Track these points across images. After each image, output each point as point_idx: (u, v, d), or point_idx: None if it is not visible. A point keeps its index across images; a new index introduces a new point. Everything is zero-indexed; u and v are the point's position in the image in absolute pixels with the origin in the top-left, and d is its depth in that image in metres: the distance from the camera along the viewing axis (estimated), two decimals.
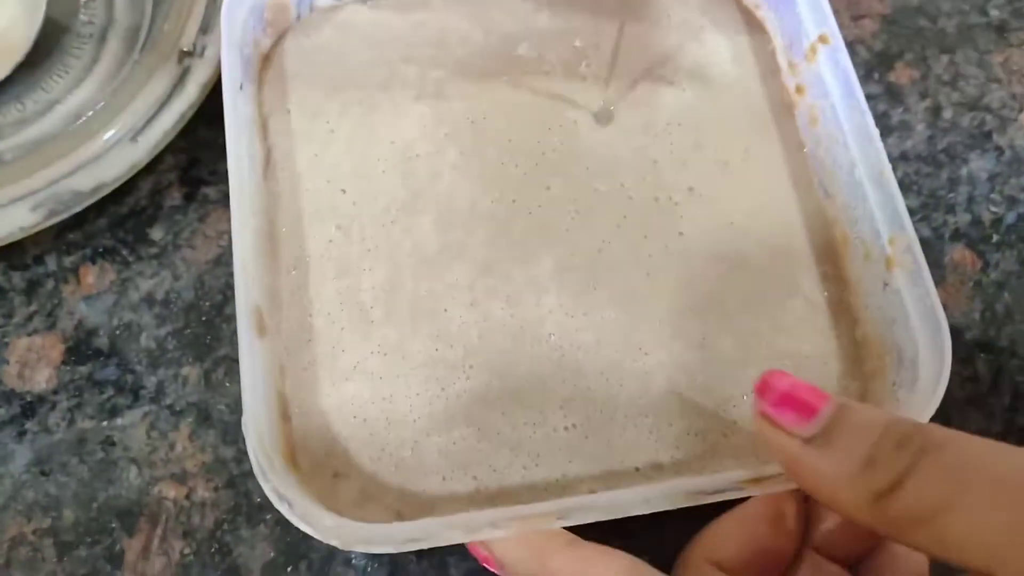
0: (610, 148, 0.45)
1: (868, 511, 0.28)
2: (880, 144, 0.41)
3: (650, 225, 0.43)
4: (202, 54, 0.45)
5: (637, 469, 0.38)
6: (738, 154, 0.45)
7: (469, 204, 0.43)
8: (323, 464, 0.38)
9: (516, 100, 0.46)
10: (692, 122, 0.46)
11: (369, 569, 0.40)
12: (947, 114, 0.50)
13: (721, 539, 0.35)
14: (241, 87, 0.42)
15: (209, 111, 0.45)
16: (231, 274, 0.43)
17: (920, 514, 0.27)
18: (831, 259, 0.43)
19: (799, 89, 0.46)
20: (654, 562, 0.32)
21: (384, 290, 0.41)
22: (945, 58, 0.52)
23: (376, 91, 0.45)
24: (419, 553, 0.39)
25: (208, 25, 0.45)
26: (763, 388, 0.32)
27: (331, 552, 0.39)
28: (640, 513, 0.34)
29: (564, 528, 0.34)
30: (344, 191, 0.43)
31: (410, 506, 0.37)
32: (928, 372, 0.37)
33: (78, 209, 0.42)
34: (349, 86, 0.46)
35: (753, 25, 0.49)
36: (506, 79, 0.46)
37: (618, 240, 0.43)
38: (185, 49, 0.44)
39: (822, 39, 0.44)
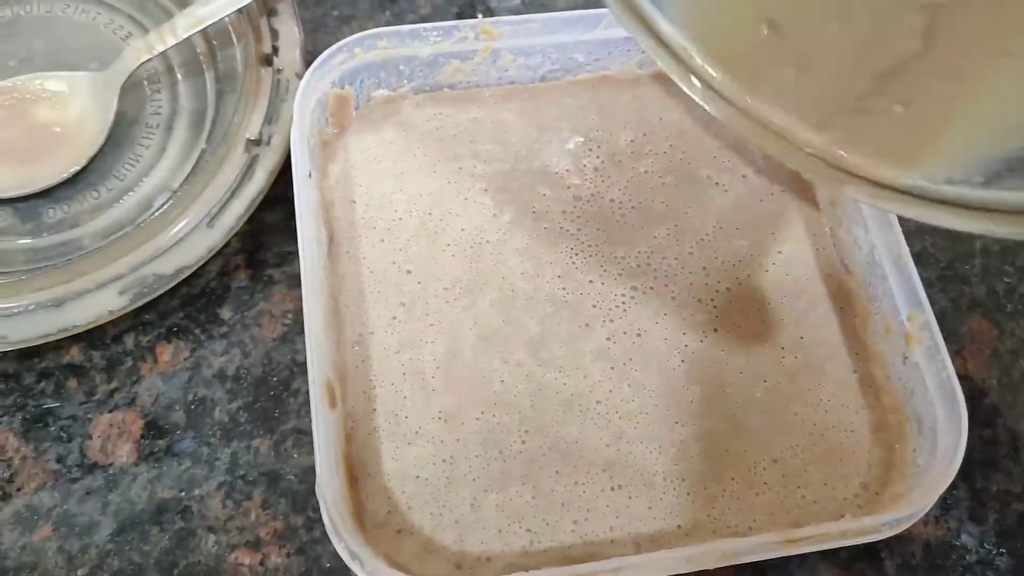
0: (661, 248, 0.52)
1: None
2: (899, 228, 0.48)
3: (688, 323, 0.50)
4: (268, 143, 0.52)
5: (679, 527, 0.45)
6: (771, 256, 0.52)
7: (527, 287, 0.50)
8: (387, 522, 0.45)
9: (574, 192, 0.54)
10: (733, 223, 0.53)
11: None
12: None
13: None
14: (310, 175, 0.49)
15: (271, 196, 0.52)
16: (296, 351, 0.50)
17: None
18: (858, 339, 0.50)
19: None
20: None
21: (445, 361, 0.48)
22: None
23: (445, 184, 0.53)
24: None
25: (272, 116, 0.52)
26: None
27: None
28: (683, 572, 0.42)
29: None
30: (409, 272, 0.50)
31: (468, 559, 0.44)
32: (946, 442, 0.44)
33: (161, 291, 0.48)
34: (418, 179, 0.53)
35: None
36: (564, 171, 0.54)
37: (657, 331, 0.50)
38: (252, 138, 0.51)
39: None
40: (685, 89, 0.42)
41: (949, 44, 0.35)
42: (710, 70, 0.41)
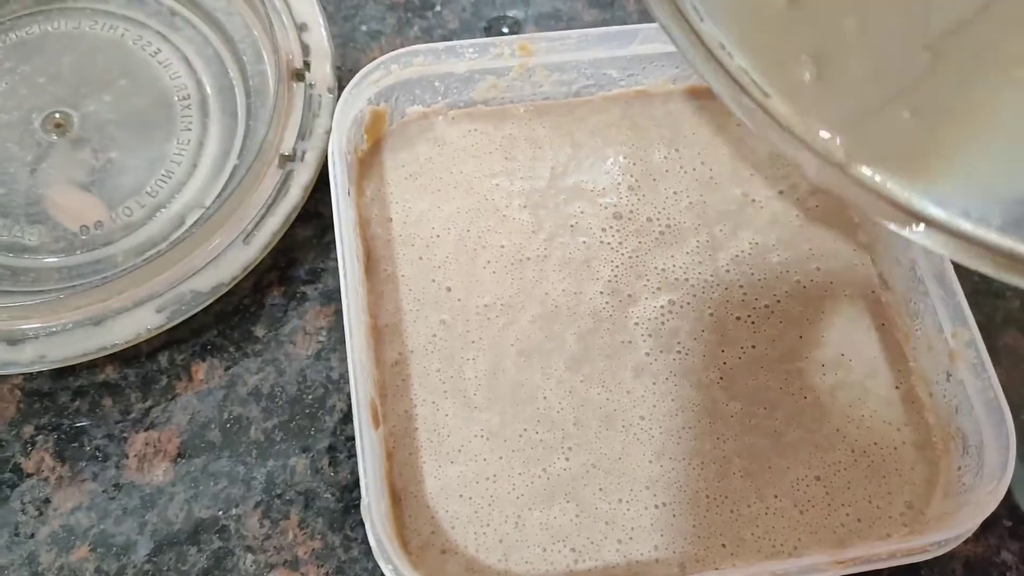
0: (697, 266, 0.52)
1: None
2: None
3: (727, 339, 0.50)
4: (302, 158, 0.52)
5: (723, 546, 0.45)
6: (809, 272, 0.52)
7: (569, 302, 0.51)
8: (430, 543, 0.45)
9: (613, 211, 0.54)
10: (769, 240, 0.53)
11: None
12: None
13: None
14: (349, 192, 0.49)
15: (302, 213, 0.52)
16: (331, 368, 0.50)
17: None
18: (900, 356, 0.50)
19: None
20: None
21: (486, 378, 0.48)
22: None
23: (482, 200, 0.53)
24: None
25: (305, 131, 0.52)
26: None
27: None
28: None
29: None
30: (449, 289, 0.50)
31: None
32: (993, 461, 0.44)
33: (198, 309, 0.48)
34: (454, 195, 0.53)
35: None
36: (601, 189, 0.54)
37: (696, 347, 0.50)
38: (286, 154, 0.51)
39: None
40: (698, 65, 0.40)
41: (960, 56, 0.34)
42: (732, 49, 0.40)
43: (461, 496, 0.46)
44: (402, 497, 0.45)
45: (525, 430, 0.47)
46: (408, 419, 0.47)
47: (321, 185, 0.52)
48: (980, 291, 0.54)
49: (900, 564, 0.43)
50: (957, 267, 0.48)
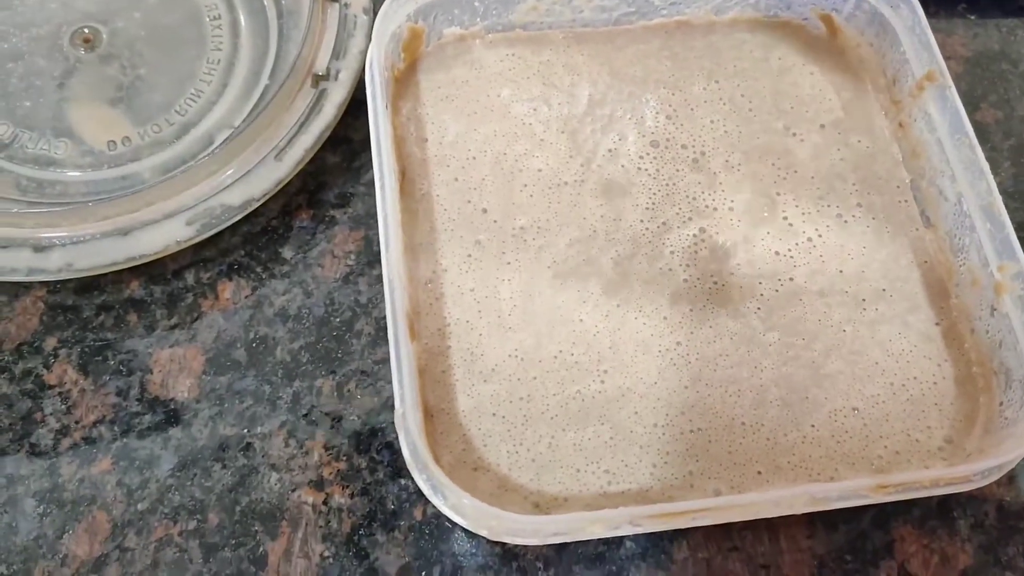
0: (737, 199, 0.52)
1: None
2: (991, 177, 0.48)
3: (765, 271, 0.50)
4: (336, 77, 0.52)
5: (759, 472, 0.45)
6: (851, 208, 0.52)
7: (606, 227, 0.50)
8: (462, 459, 0.45)
9: (650, 139, 0.54)
10: (808, 172, 0.53)
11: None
12: None
13: None
14: (387, 106, 0.49)
15: (332, 137, 0.52)
16: (359, 292, 0.50)
17: None
18: (942, 292, 0.50)
19: (901, 124, 0.53)
20: None
21: (521, 299, 0.48)
22: None
23: (519, 125, 0.53)
24: (546, 564, 0.45)
25: (340, 51, 0.52)
26: None
27: (463, 557, 0.45)
28: (771, 516, 0.41)
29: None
30: (485, 211, 0.50)
31: (545, 498, 0.44)
32: None
33: (228, 223, 0.48)
34: (491, 119, 0.53)
35: (855, 64, 0.56)
36: (639, 117, 0.54)
37: (734, 279, 0.50)
38: (320, 73, 0.51)
39: (929, 77, 0.51)
40: None
41: None
42: None
43: (494, 415, 0.45)
44: (434, 414, 0.45)
45: (560, 351, 0.47)
46: (441, 337, 0.47)
47: (352, 110, 0.52)
48: (1020, 238, 0.54)
49: (940, 494, 0.43)
50: (1006, 200, 0.48)
